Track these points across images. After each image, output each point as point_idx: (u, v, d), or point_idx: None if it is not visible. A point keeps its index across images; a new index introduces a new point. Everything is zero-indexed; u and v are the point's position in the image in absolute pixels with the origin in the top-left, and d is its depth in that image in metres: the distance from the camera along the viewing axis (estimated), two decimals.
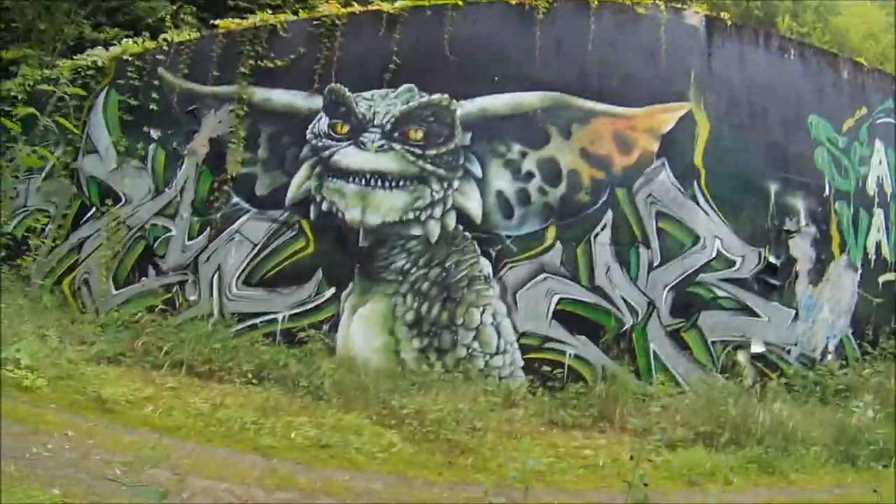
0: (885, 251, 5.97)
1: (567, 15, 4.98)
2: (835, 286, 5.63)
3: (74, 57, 5.18)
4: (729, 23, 5.60)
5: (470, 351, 4.48)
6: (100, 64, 4.96)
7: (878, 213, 6.01)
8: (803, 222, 5.42)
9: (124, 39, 5.13)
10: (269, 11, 5.03)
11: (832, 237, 5.64)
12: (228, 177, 4.62)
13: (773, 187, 5.28)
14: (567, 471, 3.54)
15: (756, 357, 5.07)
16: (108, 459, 3.06)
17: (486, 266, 4.53)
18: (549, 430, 4.13)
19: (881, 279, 5.95)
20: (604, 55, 4.95)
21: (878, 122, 6.14)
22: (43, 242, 4.84)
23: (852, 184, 5.81)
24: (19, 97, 5.08)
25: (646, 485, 1.90)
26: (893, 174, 6.09)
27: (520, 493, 2.92)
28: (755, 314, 5.08)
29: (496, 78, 4.69)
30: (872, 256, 5.92)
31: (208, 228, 4.64)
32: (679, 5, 5.60)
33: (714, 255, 4.91)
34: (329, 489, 3.14)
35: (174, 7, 5.76)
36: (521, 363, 4.53)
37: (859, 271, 5.79)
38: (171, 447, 3.32)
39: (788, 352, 5.24)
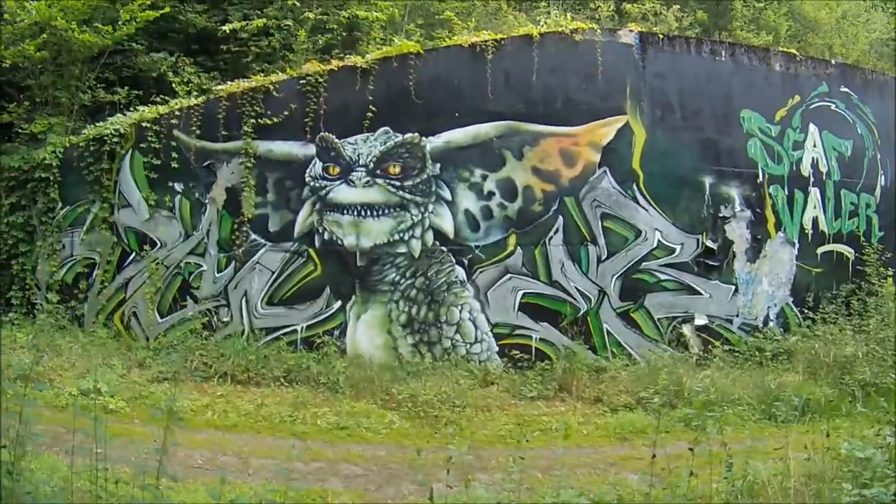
0: (822, 225, 7.59)
1: (513, 50, 6.58)
2: (773, 261, 7.26)
3: (97, 124, 6.84)
4: (661, 35, 7.18)
5: (453, 342, 6.22)
6: (122, 131, 6.61)
7: (814, 192, 7.60)
8: (738, 208, 7.02)
9: (140, 107, 6.78)
10: (260, 67, 6.67)
11: (767, 218, 7.24)
12: (245, 218, 6.32)
13: (708, 180, 6.89)
14: (524, 433, 4.76)
15: (700, 328, 6.75)
16: (190, 454, 4.50)
17: (460, 272, 6.25)
18: (518, 402, 5.66)
19: (819, 250, 7.60)
20: (547, 82, 6.55)
21: (811, 107, 7.68)
22: (91, 285, 6.58)
23: (786, 168, 7.38)
24: (53, 164, 6.77)
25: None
26: (827, 154, 7.70)
27: (486, 451, 4.55)
28: (697, 292, 6.73)
29: (456, 114, 6.34)
30: (810, 231, 7.50)
31: (233, 262, 6.37)
32: (616, 26, 7.18)
33: (655, 245, 6.55)
34: (347, 458, 4.67)
35: (173, 59, 7.40)
36: (497, 349, 6.25)
37: (797, 245, 7.41)
38: (232, 440, 4.89)
39: (731, 322, 6.90)
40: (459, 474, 2.97)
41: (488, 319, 6.24)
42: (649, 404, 5.42)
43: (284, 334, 6.25)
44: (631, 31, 6.95)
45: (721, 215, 6.92)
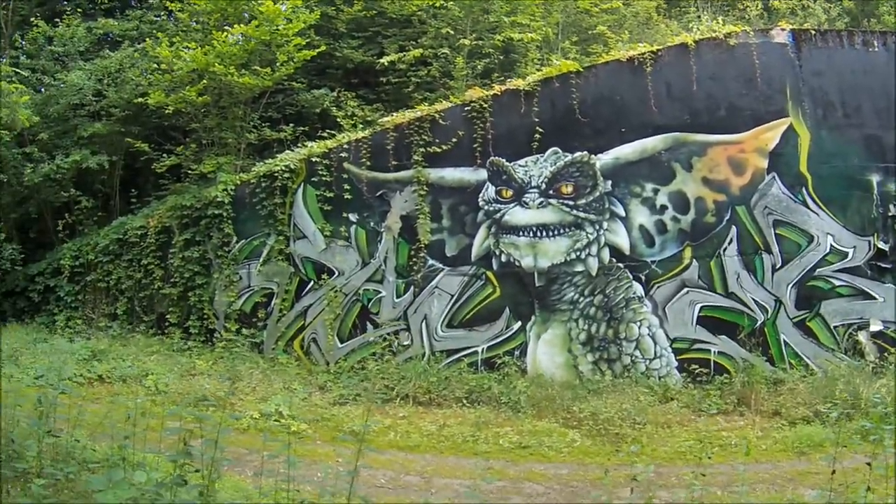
0: None
1: (671, 60, 6.66)
2: None
3: (267, 161, 7.31)
4: (813, 31, 7.07)
5: (633, 358, 6.39)
6: (292, 166, 7.05)
7: None
8: None
9: (308, 142, 7.20)
10: (422, 95, 6.93)
11: None
12: (422, 244, 6.66)
13: (875, 178, 6.77)
14: (704, 450, 4.85)
15: (876, 335, 6.66)
16: (373, 474, 4.73)
17: (638, 288, 6.42)
18: (698, 418, 5.74)
19: None
20: (708, 90, 6.61)
21: None
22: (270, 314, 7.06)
23: None
24: (225, 201, 7.28)
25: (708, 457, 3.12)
26: None
27: (667, 468, 4.62)
28: (871, 297, 6.65)
29: (622, 129, 6.47)
30: None
31: (412, 287, 6.72)
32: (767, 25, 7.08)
33: (828, 250, 6.52)
34: (529, 477, 4.82)
35: (334, 94, 7.79)
36: (676, 364, 6.39)
37: None
38: (415, 460, 5.15)
39: None
40: (642, 492, 3.05)
41: (667, 334, 6.38)
42: (827, 417, 5.42)
43: (465, 356, 6.58)
44: (783, 29, 6.90)
45: (891, 214, 6.79)
